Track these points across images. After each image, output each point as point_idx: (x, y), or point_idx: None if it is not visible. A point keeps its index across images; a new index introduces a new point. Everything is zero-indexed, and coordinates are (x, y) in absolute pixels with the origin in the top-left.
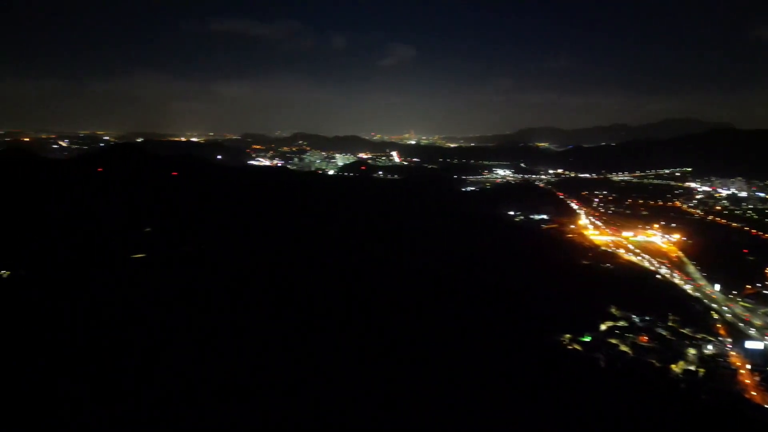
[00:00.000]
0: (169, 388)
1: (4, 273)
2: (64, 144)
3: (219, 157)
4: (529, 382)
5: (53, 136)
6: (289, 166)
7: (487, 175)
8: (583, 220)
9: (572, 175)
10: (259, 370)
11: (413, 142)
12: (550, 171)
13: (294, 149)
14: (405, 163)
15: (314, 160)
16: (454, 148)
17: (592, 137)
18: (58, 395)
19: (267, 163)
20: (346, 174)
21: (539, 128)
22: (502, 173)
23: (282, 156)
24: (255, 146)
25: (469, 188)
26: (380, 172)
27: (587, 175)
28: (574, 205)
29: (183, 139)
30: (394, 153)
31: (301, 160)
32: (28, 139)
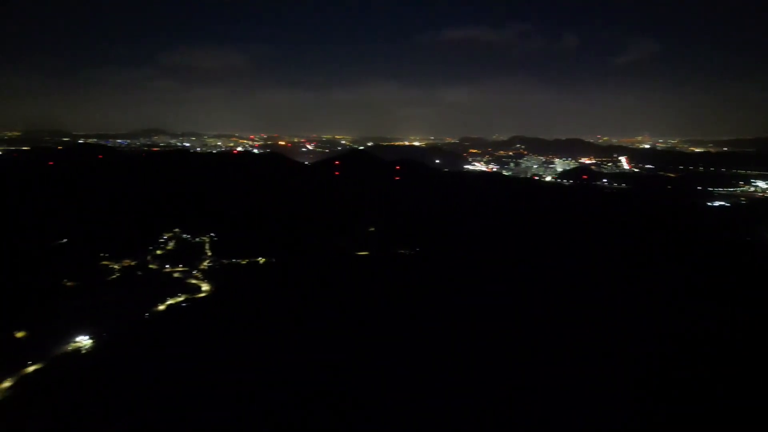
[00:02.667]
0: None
1: (261, 260)
2: (310, 147)
3: (437, 161)
4: None
5: (303, 140)
6: (504, 171)
7: (744, 188)
8: None
9: None
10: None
11: (647, 146)
12: None
13: (511, 153)
14: (635, 170)
15: (531, 165)
16: (700, 153)
17: None
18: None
19: (482, 167)
20: (564, 182)
21: None
22: (765, 186)
23: (498, 160)
24: (472, 150)
25: (717, 203)
26: (605, 180)
27: None
28: None
29: (406, 143)
30: (622, 159)
31: (517, 165)
32: (283, 143)
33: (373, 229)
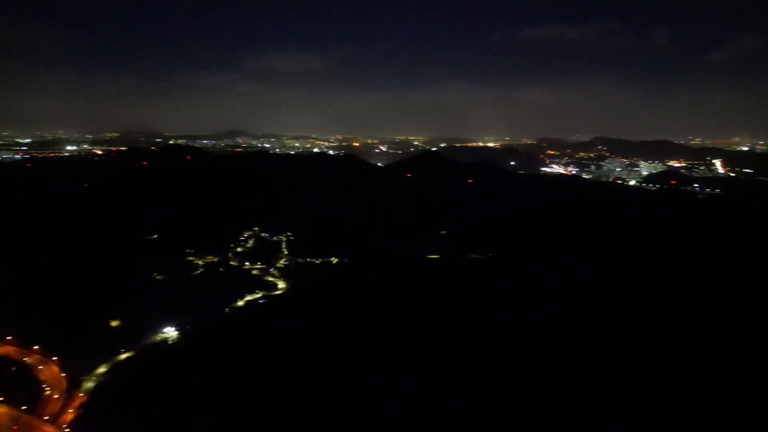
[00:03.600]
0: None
1: (334, 260)
2: (383, 148)
3: (512, 162)
4: None
5: (376, 141)
6: (584, 174)
7: None
8: None
9: None
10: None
11: (745, 149)
12: None
13: (592, 155)
14: (732, 174)
15: (613, 168)
16: None
17: None
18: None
19: (560, 170)
20: (650, 186)
21: None
22: None
23: (577, 163)
24: (549, 152)
25: None
26: (696, 185)
27: None
28: None
29: (480, 144)
30: (716, 162)
31: (598, 167)
32: (357, 144)
33: (444, 232)
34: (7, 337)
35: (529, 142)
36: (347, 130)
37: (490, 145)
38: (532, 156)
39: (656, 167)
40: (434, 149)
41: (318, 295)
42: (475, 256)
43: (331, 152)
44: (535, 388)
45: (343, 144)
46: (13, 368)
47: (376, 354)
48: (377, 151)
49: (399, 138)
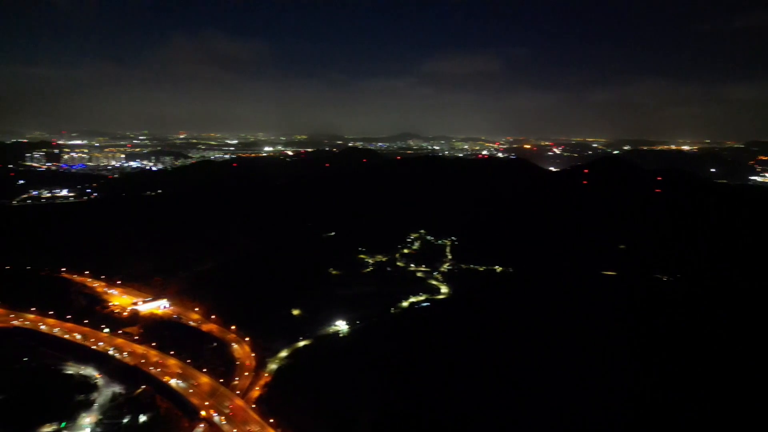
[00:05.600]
0: None
1: (498, 268)
2: (557, 151)
3: (712, 170)
4: None
5: (550, 143)
6: None
7: None
8: None
9: None
10: None
11: None
12: None
13: None
14: None
15: None
16: None
17: None
18: None
19: None
20: None
21: None
22: None
23: None
24: (761, 157)
25: None
26: None
27: None
28: None
29: (673, 147)
30: None
31: None
32: (529, 146)
33: (623, 246)
34: (212, 316)
35: (736, 146)
36: (518, 131)
37: (685, 148)
38: (739, 162)
39: None
40: (616, 152)
41: (480, 303)
42: (660, 276)
43: (500, 155)
44: None
45: (514, 146)
46: (215, 344)
47: (533, 376)
48: (550, 153)
49: (576, 140)
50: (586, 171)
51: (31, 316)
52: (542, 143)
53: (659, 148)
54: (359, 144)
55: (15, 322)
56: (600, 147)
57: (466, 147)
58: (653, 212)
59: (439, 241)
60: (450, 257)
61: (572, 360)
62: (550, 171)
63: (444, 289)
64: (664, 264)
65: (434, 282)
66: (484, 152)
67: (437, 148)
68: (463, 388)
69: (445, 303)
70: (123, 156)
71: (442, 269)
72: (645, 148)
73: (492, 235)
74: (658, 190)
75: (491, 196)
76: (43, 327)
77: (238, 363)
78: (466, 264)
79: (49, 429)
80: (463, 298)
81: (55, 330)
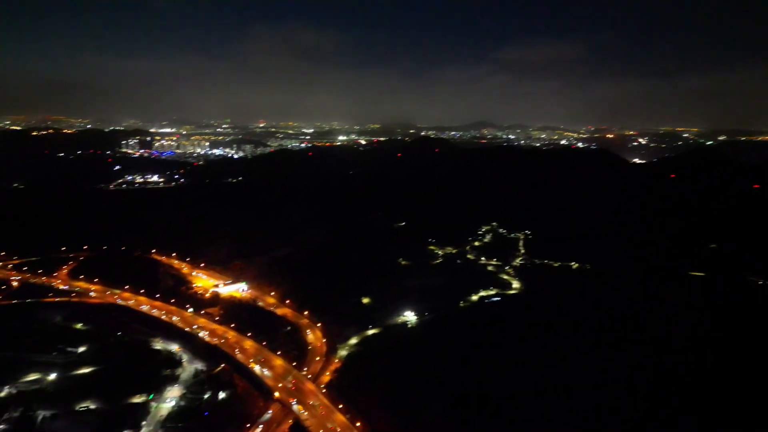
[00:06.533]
0: None
1: (574, 264)
2: (642, 141)
3: None
4: None
5: (635, 133)
6: None
7: None
8: None
9: None
10: None
11: None
12: None
13: None
14: None
15: None
16: None
17: None
18: None
19: None
20: None
21: None
22: None
23: None
24: None
25: None
26: None
27: None
28: None
29: None
30: None
31: None
32: (611, 136)
33: (714, 245)
34: (286, 301)
35: None
36: (600, 120)
37: None
38: None
39: None
40: (709, 143)
41: (554, 300)
42: (755, 279)
43: (580, 144)
44: None
45: (595, 135)
46: (288, 328)
47: (606, 381)
48: (635, 144)
49: (663, 129)
50: (674, 164)
51: (126, 294)
52: (626, 133)
53: (761, 138)
54: (431, 133)
55: (116, 299)
56: (692, 137)
57: (543, 136)
58: (750, 210)
59: (512, 235)
60: (523, 251)
61: (652, 367)
62: (635, 163)
63: (515, 284)
64: (762, 265)
65: (505, 276)
66: (563, 141)
67: (513, 137)
68: (532, 387)
69: (517, 298)
70: (207, 144)
71: (515, 263)
72: (743, 138)
73: (569, 230)
74: (756, 186)
75: (569, 188)
76: (134, 304)
77: (310, 348)
78: (540, 259)
79: (139, 399)
80: (536, 294)
81: (145, 307)
